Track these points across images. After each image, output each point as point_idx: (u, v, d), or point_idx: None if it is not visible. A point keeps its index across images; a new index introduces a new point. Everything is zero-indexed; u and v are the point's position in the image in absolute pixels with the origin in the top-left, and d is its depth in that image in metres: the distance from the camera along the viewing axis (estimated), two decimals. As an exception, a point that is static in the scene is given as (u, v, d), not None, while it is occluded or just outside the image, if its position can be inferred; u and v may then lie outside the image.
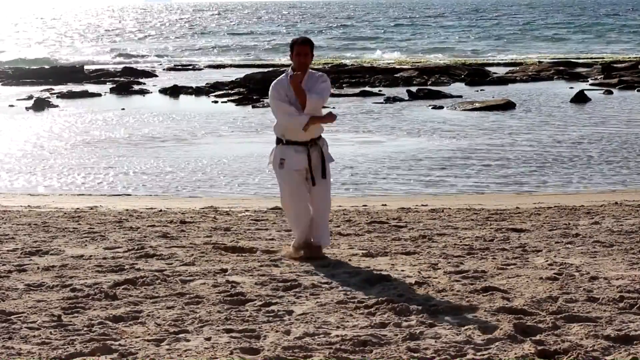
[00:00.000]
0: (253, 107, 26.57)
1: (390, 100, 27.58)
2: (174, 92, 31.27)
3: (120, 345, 4.99)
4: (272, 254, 7.78)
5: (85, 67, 41.47)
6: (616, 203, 11.50)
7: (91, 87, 33.51)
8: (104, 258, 7.57)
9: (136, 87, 33.31)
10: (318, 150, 7.42)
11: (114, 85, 33.45)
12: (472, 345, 4.97)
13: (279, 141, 7.42)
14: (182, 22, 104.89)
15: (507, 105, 25.14)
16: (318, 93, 7.29)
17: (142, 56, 55.13)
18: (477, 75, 35.13)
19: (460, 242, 8.38)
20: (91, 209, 11.47)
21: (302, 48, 7.26)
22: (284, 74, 7.43)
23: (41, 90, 32.12)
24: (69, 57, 54.27)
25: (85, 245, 8.28)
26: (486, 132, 20.32)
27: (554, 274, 6.77)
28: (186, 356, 4.83)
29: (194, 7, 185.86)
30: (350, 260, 7.50)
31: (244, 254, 7.77)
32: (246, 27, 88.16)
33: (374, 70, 37.71)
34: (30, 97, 29.18)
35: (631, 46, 53.73)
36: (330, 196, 7.64)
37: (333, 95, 27.71)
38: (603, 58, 45.27)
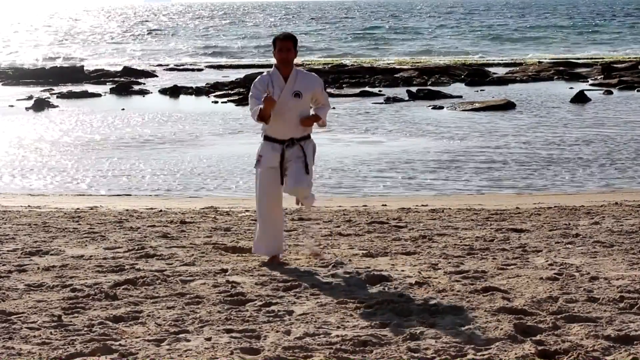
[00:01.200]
0: (253, 107, 26.54)
1: (390, 100, 27.58)
2: (174, 92, 31.27)
3: (120, 345, 5.00)
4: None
5: (85, 67, 41.46)
6: (616, 203, 11.50)
7: (91, 88, 33.49)
8: (104, 258, 7.57)
9: (136, 88, 33.29)
10: (297, 149, 7.11)
11: (114, 86, 33.42)
12: (472, 346, 4.98)
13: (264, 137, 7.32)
14: (181, 23, 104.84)
15: (507, 106, 25.15)
16: (325, 107, 7.29)
17: (142, 56, 55.12)
18: (477, 75, 35.16)
19: (461, 242, 8.38)
20: (91, 209, 11.47)
21: (284, 43, 7.15)
22: (265, 72, 7.36)
23: (41, 91, 32.11)
24: (67, 57, 54.25)
25: (86, 245, 8.28)
26: (485, 132, 20.31)
27: (554, 274, 6.77)
28: (186, 356, 4.83)
29: (193, 8, 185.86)
30: (350, 260, 7.50)
31: (244, 254, 7.77)
32: (245, 28, 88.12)
33: (374, 70, 37.73)
34: (30, 97, 29.17)
35: (634, 48, 53.69)
36: (311, 186, 7.23)
37: (333, 95, 27.72)
38: (603, 58, 45.24)
